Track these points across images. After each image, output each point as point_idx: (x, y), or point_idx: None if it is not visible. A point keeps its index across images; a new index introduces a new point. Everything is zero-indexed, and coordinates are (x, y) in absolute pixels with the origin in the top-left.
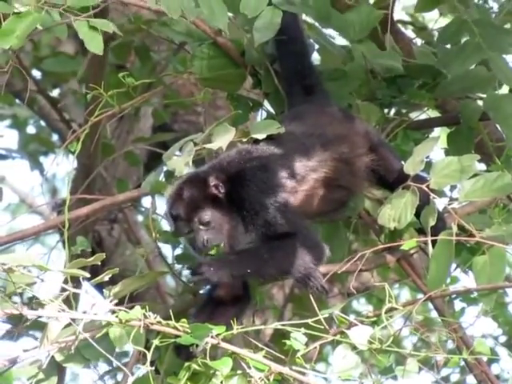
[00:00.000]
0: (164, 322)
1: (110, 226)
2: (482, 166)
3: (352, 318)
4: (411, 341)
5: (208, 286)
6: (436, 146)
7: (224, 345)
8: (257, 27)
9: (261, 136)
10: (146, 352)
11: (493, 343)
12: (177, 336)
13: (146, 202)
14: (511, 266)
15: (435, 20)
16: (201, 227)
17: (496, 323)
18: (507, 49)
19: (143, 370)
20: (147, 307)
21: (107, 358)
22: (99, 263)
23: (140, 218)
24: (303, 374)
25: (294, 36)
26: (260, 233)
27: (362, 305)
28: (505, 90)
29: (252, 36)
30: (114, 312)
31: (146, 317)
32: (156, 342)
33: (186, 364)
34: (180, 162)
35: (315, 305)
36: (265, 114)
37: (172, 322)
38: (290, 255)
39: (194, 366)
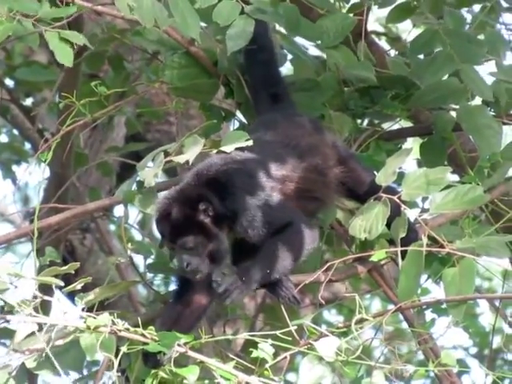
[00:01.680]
0: (132, 328)
1: (82, 235)
2: (455, 177)
3: (323, 328)
4: (382, 352)
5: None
6: (408, 157)
7: (191, 353)
8: (229, 36)
9: (230, 149)
10: (114, 360)
11: (463, 354)
12: (145, 343)
13: (118, 211)
14: (482, 277)
15: (408, 31)
16: (183, 251)
17: (467, 334)
18: (478, 60)
19: (113, 377)
20: (115, 314)
21: (78, 366)
22: (73, 272)
23: (112, 227)
24: None
25: (263, 45)
26: (257, 235)
27: (333, 315)
28: (478, 101)
29: (224, 45)
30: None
31: (114, 323)
32: (124, 348)
33: (154, 371)
34: (149, 173)
35: (286, 315)
36: (237, 124)
37: (140, 330)
38: (295, 244)
39: (162, 373)
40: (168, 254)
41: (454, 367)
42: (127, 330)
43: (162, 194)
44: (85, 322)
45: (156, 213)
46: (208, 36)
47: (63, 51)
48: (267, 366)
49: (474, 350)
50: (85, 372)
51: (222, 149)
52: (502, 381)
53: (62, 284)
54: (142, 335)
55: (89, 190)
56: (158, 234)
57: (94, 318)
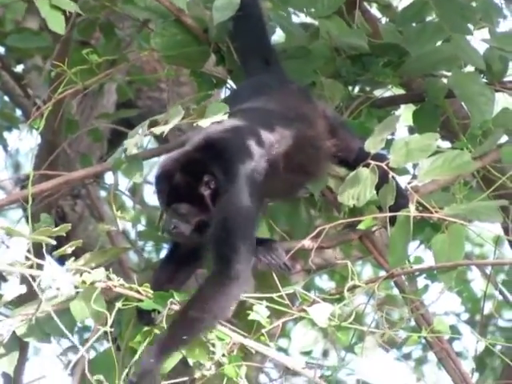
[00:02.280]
0: (127, 285)
1: (73, 201)
2: (448, 144)
3: (314, 294)
4: (374, 318)
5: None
6: (400, 124)
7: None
8: (216, 7)
9: (206, 124)
10: (108, 315)
11: (455, 320)
12: (139, 300)
13: (110, 178)
14: (473, 243)
15: None
16: (174, 214)
17: (459, 300)
18: (469, 30)
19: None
20: (111, 270)
21: (69, 332)
22: (64, 234)
23: (103, 193)
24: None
25: (252, 13)
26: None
27: (324, 281)
28: (470, 67)
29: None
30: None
31: (109, 279)
32: (119, 304)
33: (147, 329)
34: (131, 142)
35: (278, 282)
36: (228, 92)
37: (135, 286)
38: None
39: (156, 330)
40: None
41: (447, 334)
42: (122, 285)
43: (171, 153)
44: (80, 276)
45: (158, 170)
46: (197, 4)
47: (55, 18)
48: (264, 331)
49: (465, 316)
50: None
51: (201, 122)
52: (494, 347)
53: (55, 243)
54: (137, 292)
55: (80, 157)
56: (149, 197)
57: (89, 272)
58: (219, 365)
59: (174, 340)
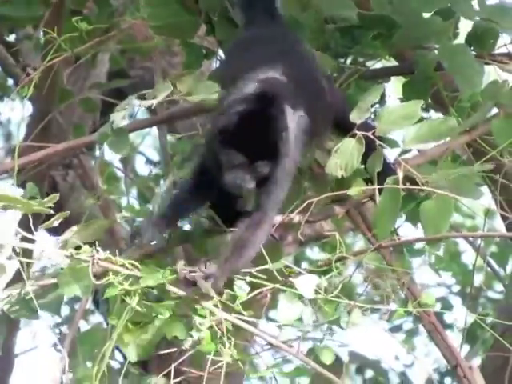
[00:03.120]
0: (113, 258)
1: (64, 171)
2: (439, 116)
3: (305, 266)
4: (364, 290)
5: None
6: (392, 96)
7: (170, 287)
8: None
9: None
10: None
11: (446, 292)
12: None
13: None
14: (464, 215)
15: None
16: (250, 170)
17: (449, 272)
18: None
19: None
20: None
21: (56, 308)
22: (52, 205)
23: (95, 164)
24: (250, 322)
25: None
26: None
27: (316, 253)
28: (460, 39)
29: None
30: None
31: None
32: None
33: (128, 306)
34: (118, 115)
35: (267, 254)
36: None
37: (121, 260)
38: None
39: (137, 307)
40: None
41: (433, 307)
42: (109, 259)
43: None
44: (67, 250)
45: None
46: None
47: None
48: (237, 302)
49: (456, 288)
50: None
51: (190, 99)
52: (484, 320)
53: (52, 212)
54: (123, 266)
55: (73, 127)
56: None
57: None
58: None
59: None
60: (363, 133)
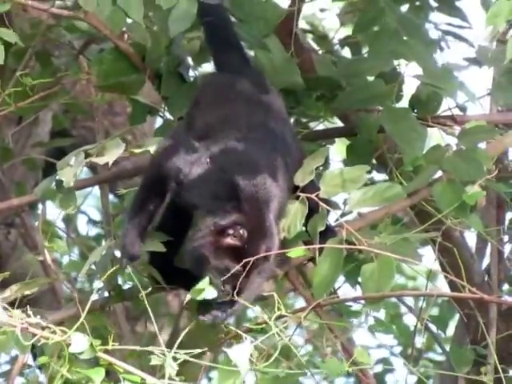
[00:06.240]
0: (45, 325)
1: (6, 230)
2: (383, 177)
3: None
4: (304, 350)
5: None
6: (335, 158)
7: (101, 355)
8: (172, 20)
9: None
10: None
11: (388, 353)
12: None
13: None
14: (407, 276)
15: (336, 30)
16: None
17: (391, 334)
18: (425, 36)
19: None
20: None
21: None
22: None
23: (37, 223)
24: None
25: (218, 16)
26: None
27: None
28: (403, 103)
29: (163, 31)
30: None
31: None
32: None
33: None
34: (69, 172)
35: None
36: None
37: (53, 327)
38: None
39: (67, 374)
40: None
41: (370, 366)
42: (41, 326)
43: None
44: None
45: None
46: (139, 26)
47: None
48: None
49: (398, 349)
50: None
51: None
52: (428, 379)
53: None
54: (53, 332)
55: (15, 185)
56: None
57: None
58: None
59: None
60: (307, 195)
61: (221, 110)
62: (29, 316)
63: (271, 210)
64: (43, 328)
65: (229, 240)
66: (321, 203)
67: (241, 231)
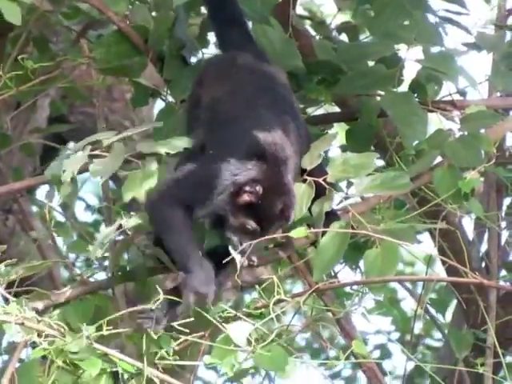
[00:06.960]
0: (40, 318)
1: (4, 216)
2: (381, 162)
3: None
4: (303, 335)
5: None
6: (333, 143)
7: (96, 345)
8: None
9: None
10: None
11: (385, 339)
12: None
13: (41, 193)
14: (404, 262)
15: (333, 15)
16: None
17: (389, 319)
18: (429, 8)
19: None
20: (24, 302)
21: None
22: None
23: (35, 208)
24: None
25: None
26: None
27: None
28: (404, 87)
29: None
30: None
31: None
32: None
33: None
34: (74, 163)
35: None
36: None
37: (48, 320)
38: None
39: (62, 365)
40: None
41: (364, 356)
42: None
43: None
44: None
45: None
46: (143, 10)
47: (11, 9)
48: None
49: (396, 336)
50: None
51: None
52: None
53: None
54: (49, 326)
55: (12, 171)
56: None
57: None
58: None
59: None
60: (314, 179)
61: (227, 83)
62: (24, 310)
63: (289, 169)
64: (39, 321)
65: (245, 197)
66: (328, 187)
67: (257, 188)
